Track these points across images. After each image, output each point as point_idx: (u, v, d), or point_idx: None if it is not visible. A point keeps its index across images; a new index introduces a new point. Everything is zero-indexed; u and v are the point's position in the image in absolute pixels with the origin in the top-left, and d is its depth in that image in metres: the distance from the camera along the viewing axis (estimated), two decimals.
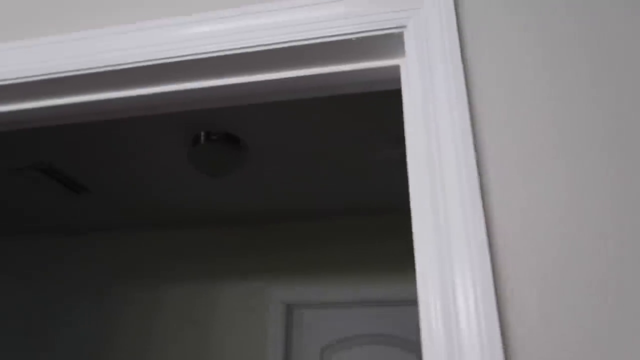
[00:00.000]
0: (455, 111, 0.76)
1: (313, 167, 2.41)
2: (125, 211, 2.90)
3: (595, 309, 0.62)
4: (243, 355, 2.77)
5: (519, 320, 0.63)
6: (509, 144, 0.74)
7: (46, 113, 1.07)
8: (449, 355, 0.63)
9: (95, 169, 2.39)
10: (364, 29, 0.88)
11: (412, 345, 2.74)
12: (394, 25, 0.88)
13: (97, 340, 2.94)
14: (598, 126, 0.72)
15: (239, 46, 0.92)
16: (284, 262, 2.94)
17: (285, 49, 0.92)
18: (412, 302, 2.76)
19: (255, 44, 0.92)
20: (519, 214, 0.68)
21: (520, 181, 0.70)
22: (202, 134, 2.12)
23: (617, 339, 0.61)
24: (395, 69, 0.94)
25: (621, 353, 0.60)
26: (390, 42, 0.90)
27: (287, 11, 0.93)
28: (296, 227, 3.00)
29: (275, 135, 2.15)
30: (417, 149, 0.75)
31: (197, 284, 2.97)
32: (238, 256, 3.01)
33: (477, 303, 0.63)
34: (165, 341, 2.86)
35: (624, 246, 0.64)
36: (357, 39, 0.89)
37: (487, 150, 0.74)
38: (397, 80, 0.98)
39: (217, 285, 2.95)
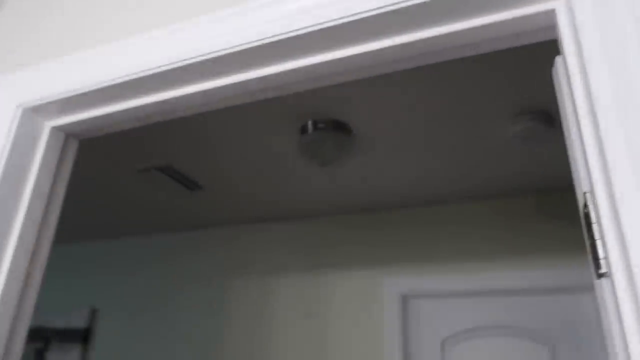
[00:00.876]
0: None
1: (429, 150, 2.28)
2: (238, 206, 2.96)
3: None
4: (360, 347, 2.71)
5: None
6: None
7: (160, 107, 1.05)
8: None
9: (207, 166, 2.45)
10: None
11: (542, 336, 2.51)
12: None
13: (213, 332, 3.04)
14: None
15: (365, 9, 0.83)
16: (399, 252, 2.83)
17: (417, 5, 0.81)
18: (540, 291, 2.53)
19: (382, 4, 0.82)
20: None
21: None
22: (310, 122, 2.07)
23: None
24: (548, 15, 0.80)
25: None
26: None
27: None
28: (411, 214, 2.88)
29: (384, 119, 2.05)
30: (605, 102, 0.61)
31: (310, 276, 2.96)
32: (351, 246, 2.95)
33: None
34: (279, 333, 2.89)
35: None
36: None
37: None
38: (549, 28, 0.83)
39: (330, 277, 2.91)
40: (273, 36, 0.90)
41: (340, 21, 0.83)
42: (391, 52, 0.89)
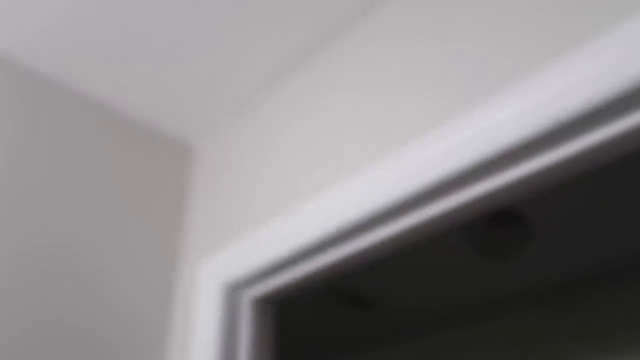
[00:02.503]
0: None
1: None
2: (411, 317, 2.83)
3: None
4: None
5: None
6: None
7: (356, 257, 1.04)
8: None
9: (380, 283, 2.41)
10: None
11: None
12: None
13: None
14: None
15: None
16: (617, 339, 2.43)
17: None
18: None
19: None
20: None
21: None
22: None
23: None
24: None
25: None
26: None
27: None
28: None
29: (561, 205, 1.86)
30: None
31: None
32: (544, 342, 2.62)
33: None
34: None
35: None
36: None
37: None
38: None
39: None
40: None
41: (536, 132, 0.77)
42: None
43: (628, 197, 1.86)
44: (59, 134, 1.27)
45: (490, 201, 0.92)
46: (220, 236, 1.24)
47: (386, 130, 1.02)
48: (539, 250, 2.21)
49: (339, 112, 1.14)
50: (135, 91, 1.39)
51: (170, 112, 1.46)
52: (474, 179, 0.88)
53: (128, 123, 1.44)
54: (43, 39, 1.25)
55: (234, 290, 1.13)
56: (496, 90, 0.88)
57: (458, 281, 2.47)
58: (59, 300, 1.10)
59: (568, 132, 0.78)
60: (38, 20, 1.21)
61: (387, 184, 0.93)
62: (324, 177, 1.08)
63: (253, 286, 1.13)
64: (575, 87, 0.75)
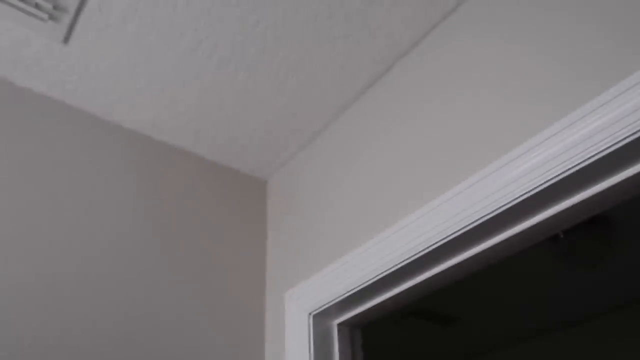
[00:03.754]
0: None
1: None
2: (491, 332, 2.76)
3: None
4: None
5: None
6: None
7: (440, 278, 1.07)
8: None
9: (462, 300, 2.38)
10: None
11: None
12: None
13: None
14: None
15: None
16: None
17: None
18: None
19: None
20: None
21: None
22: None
23: None
24: None
25: None
26: None
27: None
28: None
29: None
30: None
31: None
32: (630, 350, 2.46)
33: None
34: None
35: None
36: None
37: None
38: None
39: None
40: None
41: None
42: None
43: None
44: (173, 189, 1.40)
45: (582, 211, 0.91)
46: (301, 266, 1.31)
47: (463, 152, 1.05)
48: (625, 257, 2.11)
49: (409, 138, 1.18)
50: (221, 139, 1.51)
51: (245, 151, 1.57)
52: (565, 191, 0.88)
53: (214, 166, 1.56)
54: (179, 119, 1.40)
55: (321, 317, 1.19)
56: (589, 98, 0.86)
57: (540, 293, 2.39)
58: (164, 335, 1.21)
59: None
60: (180, 106, 1.36)
61: (465, 205, 0.95)
62: (397, 205, 1.13)
63: (338, 312, 1.18)
64: None
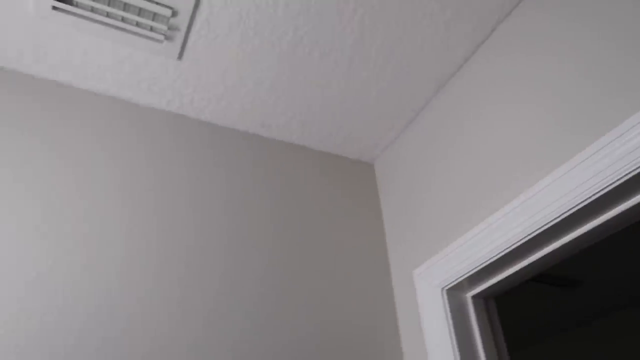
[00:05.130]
0: None
1: None
2: (613, 294, 2.62)
3: None
4: None
5: None
6: None
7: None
8: None
9: (584, 264, 2.29)
10: None
11: None
12: None
13: None
14: None
15: None
16: None
17: None
18: None
19: None
20: None
21: None
22: None
23: None
24: None
25: None
26: None
27: None
28: None
29: None
30: None
31: None
32: None
33: None
34: None
35: None
36: None
37: None
38: None
39: None
40: None
41: None
42: None
43: None
44: (288, 182, 1.48)
45: None
46: (425, 244, 1.33)
47: (587, 118, 1.01)
48: None
49: (523, 106, 1.15)
50: (326, 129, 1.56)
51: (350, 137, 1.60)
52: None
53: (323, 155, 1.61)
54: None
55: (454, 292, 1.21)
56: None
57: None
58: (308, 319, 1.28)
59: None
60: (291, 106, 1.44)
61: (594, 172, 0.92)
62: (517, 177, 1.10)
63: (471, 286, 1.19)
64: None
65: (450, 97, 1.39)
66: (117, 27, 1.24)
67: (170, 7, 1.20)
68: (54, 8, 1.18)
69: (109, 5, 1.19)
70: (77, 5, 1.18)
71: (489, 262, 1.10)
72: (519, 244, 1.04)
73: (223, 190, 1.40)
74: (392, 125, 1.56)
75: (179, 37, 1.27)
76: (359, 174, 1.65)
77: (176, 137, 1.43)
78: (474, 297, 1.21)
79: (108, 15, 1.21)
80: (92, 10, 1.20)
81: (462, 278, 1.16)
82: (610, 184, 0.90)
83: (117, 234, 1.21)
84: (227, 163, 1.45)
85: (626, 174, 0.87)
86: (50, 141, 1.26)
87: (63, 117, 1.32)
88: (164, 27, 1.23)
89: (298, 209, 1.46)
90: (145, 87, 1.40)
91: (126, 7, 1.20)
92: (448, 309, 1.17)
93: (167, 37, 1.27)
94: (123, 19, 1.23)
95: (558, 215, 0.97)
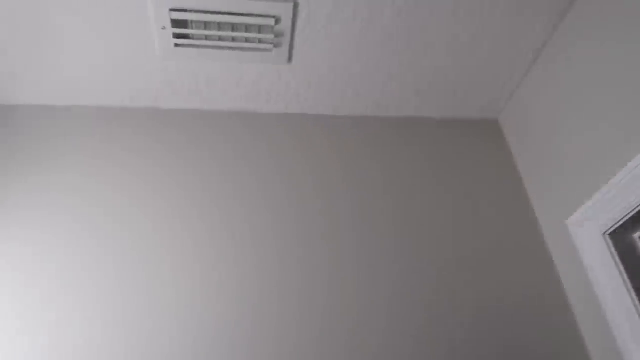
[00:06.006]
0: None
1: None
2: None
3: None
4: None
5: None
6: None
7: None
8: None
9: None
10: None
11: None
12: None
13: None
14: None
15: None
16: None
17: None
18: None
19: None
20: None
21: None
22: None
23: None
24: None
25: None
26: None
27: None
28: None
29: None
30: None
31: None
32: None
33: None
34: None
35: None
36: None
37: None
38: None
39: None
40: None
41: None
42: None
43: None
44: (414, 155, 1.50)
45: None
46: (572, 193, 1.25)
47: None
48: None
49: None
50: (443, 96, 1.54)
51: (468, 98, 1.56)
52: None
53: (445, 123, 1.59)
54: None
55: (616, 235, 1.13)
56: None
57: None
58: (467, 291, 1.29)
59: None
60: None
61: None
62: None
63: (634, 226, 1.10)
64: None
65: (569, 31, 1.29)
66: (230, 48, 1.33)
67: (273, 16, 1.26)
68: (176, 45, 1.31)
69: (219, 30, 1.29)
70: (193, 38, 1.30)
71: None
72: None
73: (366, 176, 1.44)
74: (511, 74, 1.49)
75: (286, 41, 1.33)
76: (484, 133, 1.59)
77: (299, 136, 1.50)
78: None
79: (220, 39, 1.31)
80: (207, 38, 1.30)
81: (626, 218, 1.08)
82: None
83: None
84: (356, 149, 1.50)
85: None
86: (200, 164, 1.40)
87: (202, 141, 1.45)
88: (270, 36, 1.30)
89: (434, 183, 1.46)
90: (264, 97, 1.49)
91: (234, 27, 1.28)
92: (615, 253, 1.10)
93: (275, 45, 1.34)
94: (233, 39, 1.32)
95: None
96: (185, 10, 1.23)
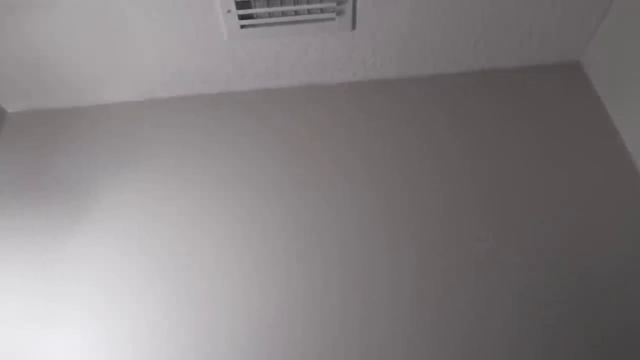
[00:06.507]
0: None
1: None
2: None
3: None
4: None
5: None
6: None
7: None
8: None
9: None
10: None
11: None
12: None
13: None
14: None
15: None
16: None
17: None
18: None
19: None
20: None
21: None
22: None
23: None
24: None
25: None
26: None
27: None
28: None
29: None
30: None
31: None
32: None
33: None
34: None
35: None
36: None
37: None
38: None
39: None
40: None
41: None
42: None
43: None
44: (499, 111, 1.45)
45: None
46: None
47: None
48: None
49: None
50: (515, 39, 1.47)
51: (545, 41, 1.47)
52: None
53: (520, 70, 1.52)
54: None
55: None
56: None
57: None
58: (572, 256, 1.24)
59: None
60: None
61: None
62: None
63: None
64: None
65: None
66: (293, 22, 1.34)
67: None
68: (242, 27, 1.33)
69: (281, 5, 1.29)
70: (257, 17, 1.31)
71: None
72: None
73: (445, 138, 1.42)
74: (590, 13, 1.39)
75: (348, 8, 1.31)
76: (566, 77, 1.50)
77: (375, 104, 1.49)
78: None
79: (283, 14, 1.32)
80: (270, 15, 1.31)
81: None
82: None
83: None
84: (430, 111, 1.46)
85: None
86: (286, 141, 1.43)
87: (278, 119, 1.48)
88: (332, 5, 1.29)
89: (520, 139, 1.40)
90: (331, 65, 1.49)
91: (295, 1, 1.28)
92: None
93: (338, 13, 1.32)
94: (296, 13, 1.32)
95: None
96: None
